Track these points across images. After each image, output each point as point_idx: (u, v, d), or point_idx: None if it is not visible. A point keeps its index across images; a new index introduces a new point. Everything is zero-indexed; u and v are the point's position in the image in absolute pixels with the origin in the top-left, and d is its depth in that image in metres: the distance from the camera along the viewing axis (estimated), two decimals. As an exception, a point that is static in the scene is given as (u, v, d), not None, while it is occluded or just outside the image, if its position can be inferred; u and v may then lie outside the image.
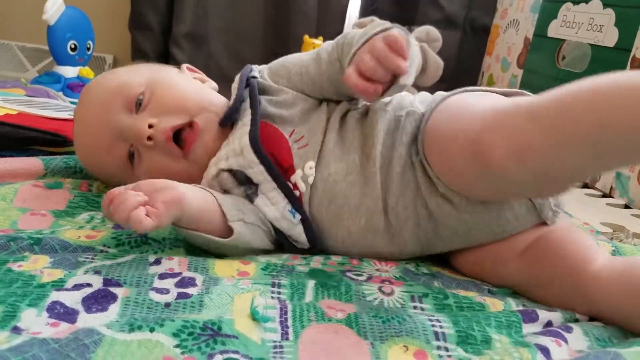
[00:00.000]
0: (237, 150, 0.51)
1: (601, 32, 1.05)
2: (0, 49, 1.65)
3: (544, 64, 1.23)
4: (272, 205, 0.51)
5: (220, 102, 0.57)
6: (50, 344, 0.32)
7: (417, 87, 1.61)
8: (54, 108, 0.85)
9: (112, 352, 0.33)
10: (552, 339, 0.41)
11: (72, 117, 0.79)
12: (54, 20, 1.15)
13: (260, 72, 0.58)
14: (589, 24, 1.09)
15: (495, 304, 0.45)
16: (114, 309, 0.39)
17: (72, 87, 1.15)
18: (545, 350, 0.39)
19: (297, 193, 0.51)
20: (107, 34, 1.55)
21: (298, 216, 0.51)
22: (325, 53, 0.53)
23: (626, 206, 0.95)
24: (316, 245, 0.52)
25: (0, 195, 0.55)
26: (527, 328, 0.42)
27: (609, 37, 1.03)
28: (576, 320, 0.46)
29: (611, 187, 0.99)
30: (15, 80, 1.48)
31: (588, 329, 0.43)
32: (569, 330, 0.43)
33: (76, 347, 0.33)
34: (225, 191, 0.53)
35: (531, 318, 0.43)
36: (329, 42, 0.54)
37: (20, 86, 1.10)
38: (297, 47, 1.41)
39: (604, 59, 1.04)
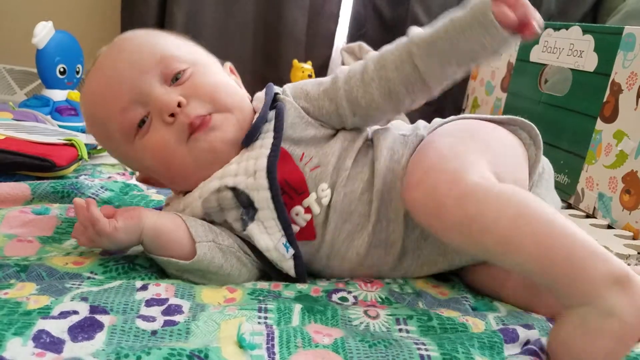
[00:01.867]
0: (250, 171, 0.50)
1: (581, 57, 1.08)
2: (-12, 72, 1.65)
3: (526, 88, 1.26)
4: (267, 234, 0.50)
5: (248, 111, 0.55)
6: (35, 375, 0.32)
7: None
8: (42, 132, 0.85)
9: (98, 382, 0.33)
10: (531, 358, 0.42)
11: (60, 141, 0.79)
12: (43, 44, 1.16)
13: (283, 90, 0.57)
14: (570, 49, 1.12)
15: (477, 324, 0.46)
16: (101, 337, 0.39)
17: (60, 111, 1.16)
18: None
19: (296, 228, 0.52)
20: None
21: (291, 251, 0.51)
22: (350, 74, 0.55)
23: (609, 226, 0.97)
24: (303, 280, 0.52)
25: (-13, 222, 0.55)
26: (509, 349, 0.43)
27: (589, 62, 1.06)
28: None
29: (594, 208, 1.01)
30: (2, 103, 1.48)
31: None
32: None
33: (62, 377, 0.32)
34: (218, 212, 0.52)
35: (512, 338, 0.44)
36: (344, 68, 0.56)
37: (8, 109, 1.10)
38: (287, 71, 1.43)
39: (585, 83, 1.07)
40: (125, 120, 0.51)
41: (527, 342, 0.45)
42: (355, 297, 0.49)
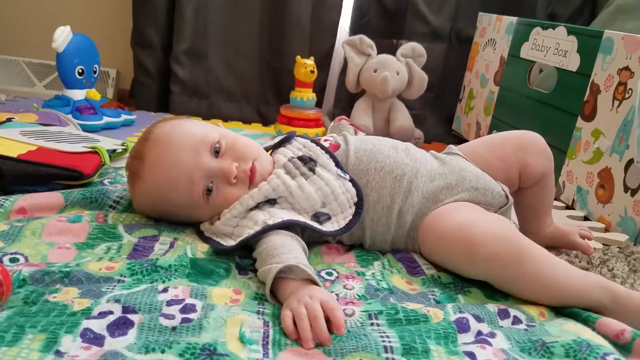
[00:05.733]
0: (302, 148, 0.75)
1: (565, 57, 1.15)
2: (8, 65, 1.75)
3: (516, 83, 1.32)
4: (328, 172, 0.71)
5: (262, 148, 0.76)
6: (87, 365, 0.43)
7: (404, 99, 1.70)
8: (68, 139, 0.95)
9: (134, 370, 0.43)
10: (478, 345, 0.52)
11: (85, 149, 0.89)
12: (63, 47, 1.24)
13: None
14: (556, 49, 1.18)
15: (437, 314, 0.56)
16: (132, 333, 0.49)
17: (80, 110, 1.25)
18: (471, 355, 0.51)
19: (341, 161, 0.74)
20: (110, 49, 1.64)
21: (347, 175, 0.71)
22: None
23: (585, 218, 1.05)
24: (361, 199, 0.70)
25: (31, 231, 0.65)
26: (462, 338, 0.53)
27: (572, 62, 1.12)
28: (501, 326, 0.57)
29: (573, 200, 1.09)
30: (23, 98, 1.58)
31: (510, 334, 0.55)
32: (493, 336, 0.54)
33: (106, 367, 0.43)
34: (290, 171, 0.71)
35: (464, 329, 0.54)
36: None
37: (32, 110, 1.20)
38: (292, 61, 1.50)
39: (568, 82, 1.13)
40: (195, 191, 0.68)
41: (480, 333, 0.55)
42: (337, 295, 0.59)
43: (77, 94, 1.29)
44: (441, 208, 0.70)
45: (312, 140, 0.76)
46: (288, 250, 0.61)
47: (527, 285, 0.61)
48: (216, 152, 0.70)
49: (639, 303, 0.60)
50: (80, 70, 1.29)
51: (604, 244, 0.92)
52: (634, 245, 0.91)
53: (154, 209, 0.73)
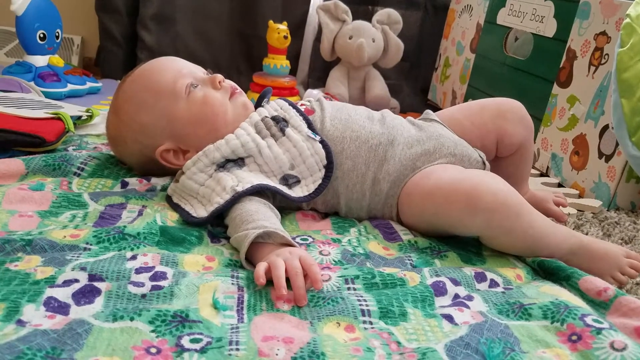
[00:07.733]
0: (278, 109, 0.74)
1: (542, 22, 1.14)
2: (-35, 31, 1.65)
3: (493, 50, 1.31)
4: (298, 133, 0.70)
5: None
6: (50, 334, 0.41)
7: (379, 68, 1.67)
8: (29, 105, 0.90)
9: (100, 339, 0.42)
10: (456, 308, 0.52)
11: (47, 116, 0.85)
12: (22, 10, 1.17)
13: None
14: (532, 14, 1.17)
15: (413, 278, 0.55)
16: (99, 301, 0.47)
17: (43, 77, 1.19)
18: (449, 317, 0.50)
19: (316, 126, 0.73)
20: (75, 15, 1.56)
21: (318, 137, 0.70)
22: None
23: (559, 185, 1.06)
24: (331, 162, 0.69)
25: (-10, 199, 0.62)
26: (439, 301, 0.53)
27: (549, 28, 1.12)
28: (478, 289, 0.56)
29: (548, 167, 1.10)
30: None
31: (487, 297, 0.55)
32: (471, 299, 0.54)
33: (71, 336, 0.41)
34: (261, 131, 0.71)
35: (441, 292, 0.53)
36: None
37: (-8, 77, 1.13)
38: (264, 27, 1.46)
39: (545, 48, 1.13)
40: (179, 82, 0.71)
41: (457, 296, 0.54)
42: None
43: (39, 60, 1.22)
44: (427, 169, 0.69)
45: (290, 103, 0.75)
46: (264, 216, 0.60)
47: (521, 235, 0.62)
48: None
49: (599, 247, 0.65)
50: (41, 35, 1.22)
51: (578, 210, 0.93)
52: (607, 210, 0.92)
53: (133, 99, 0.72)
